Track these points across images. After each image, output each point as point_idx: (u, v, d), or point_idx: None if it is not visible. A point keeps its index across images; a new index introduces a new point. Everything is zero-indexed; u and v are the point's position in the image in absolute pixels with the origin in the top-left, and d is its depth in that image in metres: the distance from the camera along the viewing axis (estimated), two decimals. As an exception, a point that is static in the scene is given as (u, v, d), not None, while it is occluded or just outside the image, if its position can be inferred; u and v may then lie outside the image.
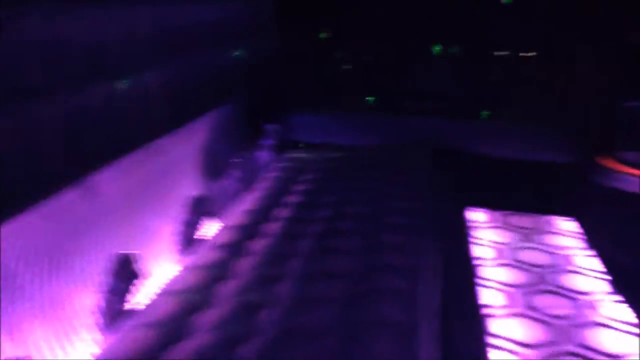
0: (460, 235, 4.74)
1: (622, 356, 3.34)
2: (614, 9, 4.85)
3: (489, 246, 4.67)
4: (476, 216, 5.21)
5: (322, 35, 6.05)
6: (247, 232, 3.34)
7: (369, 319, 2.45)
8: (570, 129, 5.42)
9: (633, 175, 3.97)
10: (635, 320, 3.60)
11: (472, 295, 3.91)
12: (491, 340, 3.48)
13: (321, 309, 2.53)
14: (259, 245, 3.19)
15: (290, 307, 2.56)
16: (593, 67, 5.54)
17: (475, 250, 4.59)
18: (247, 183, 4.49)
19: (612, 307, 3.82)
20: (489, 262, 4.41)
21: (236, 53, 4.07)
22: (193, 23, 3.52)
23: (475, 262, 4.40)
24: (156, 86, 3.10)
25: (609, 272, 4.12)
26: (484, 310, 3.76)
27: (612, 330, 3.59)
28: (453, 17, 6.08)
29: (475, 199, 5.35)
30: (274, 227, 3.41)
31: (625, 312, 3.74)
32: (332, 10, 6.10)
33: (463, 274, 4.15)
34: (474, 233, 4.89)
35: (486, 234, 4.88)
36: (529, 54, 5.84)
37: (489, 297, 3.94)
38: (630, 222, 4.08)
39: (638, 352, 3.36)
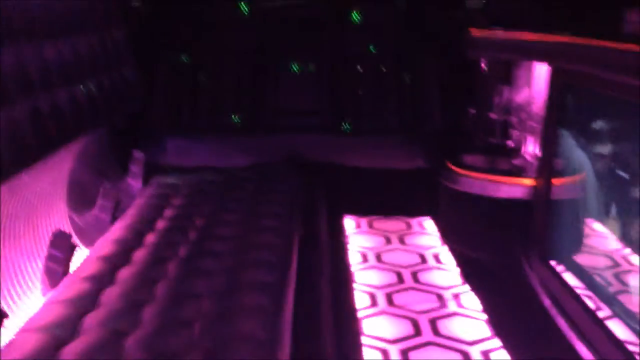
0: (333, 243, 5.01)
1: (475, 341, 3.73)
2: (454, 28, 5.37)
3: (357, 251, 4.99)
4: (346, 224, 5.53)
5: (184, 59, 6.17)
6: (114, 261, 3.38)
7: (232, 334, 2.61)
8: (426, 136, 5.90)
9: (469, 176, 4.44)
10: (481, 307, 4.03)
11: (342, 300, 4.18)
12: (361, 340, 3.75)
13: (187, 329, 2.66)
14: (126, 273, 3.25)
15: (156, 330, 2.66)
16: (440, 79, 6.08)
17: (347, 256, 4.89)
18: (116, 211, 4.50)
19: (463, 297, 4.23)
20: (357, 267, 4.71)
21: (96, 82, 4.10)
22: (53, 59, 3.56)
23: (347, 267, 4.69)
24: (21, 119, 3.11)
25: (458, 265, 4.56)
26: (354, 313, 4.04)
27: (465, 318, 3.99)
28: (310, 36, 6.43)
29: (345, 207, 5.68)
30: (141, 254, 3.48)
31: (473, 301, 4.17)
32: (192, 34, 6.24)
33: (336, 281, 4.41)
34: (345, 240, 5.19)
35: (355, 240, 5.21)
36: (384, 69, 6.31)
37: (358, 299, 4.23)
38: (469, 219, 4.55)
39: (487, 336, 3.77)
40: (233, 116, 6.15)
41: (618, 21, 3.15)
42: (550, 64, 3.90)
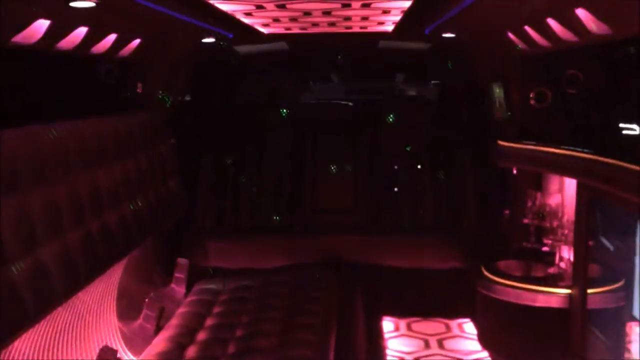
0: (371, 348, 5.02)
1: None
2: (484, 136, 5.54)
3: (396, 356, 4.98)
4: (384, 325, 5.54)
5: (226, 161, 6.48)
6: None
7: None
8: (462, 236, 5.95)
9: (505, 284, 4.45)
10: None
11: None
12: None
13: None
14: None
15: None
16: (475, 178, 6.18)
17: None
18: (161, 318, 4.66)
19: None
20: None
21: (143, 198, 4.36)
22: (104, 184, 3.81)
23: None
24: (73, 245, 3.33)
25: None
26: None
27: None
28: (346, 136, 6.67)
29: (383, 308, 5.71)
30: (183, 369, 3.62)
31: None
32: (233, 138, 6.57)
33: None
34: (383, 344, 5.19)
35: (394, 344, 5.21)
36: (419, 167, 6.47)
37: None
38: (505, 327, 4.53)
39: None
40: (273, 217, 6.35)
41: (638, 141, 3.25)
42: (575, 178, 3.99)
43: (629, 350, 4.57)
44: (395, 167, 6.53)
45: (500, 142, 4.77)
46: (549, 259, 4.63)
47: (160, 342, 4.01)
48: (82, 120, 3.75)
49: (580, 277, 4.02)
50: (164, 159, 4.96)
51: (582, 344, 4.05)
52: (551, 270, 4.55)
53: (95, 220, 3.58)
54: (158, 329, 4.46)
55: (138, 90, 4.96)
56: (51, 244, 3.09)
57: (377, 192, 6.45)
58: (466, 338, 5.24)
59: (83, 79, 4.33)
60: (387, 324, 5.55)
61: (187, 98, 6.44)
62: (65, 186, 3.33)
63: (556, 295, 4.24)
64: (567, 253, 4.48)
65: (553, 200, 4.65)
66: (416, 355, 4.98)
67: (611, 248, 4.53)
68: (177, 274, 5.14)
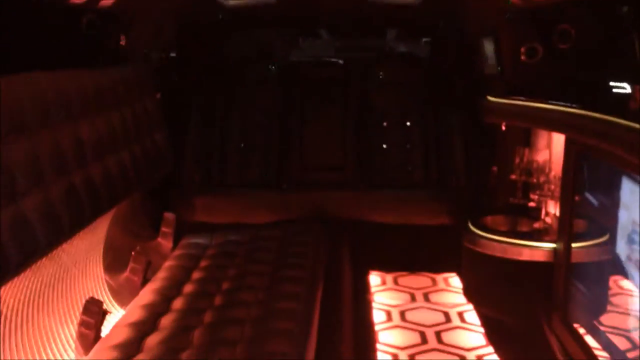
0: (358, 301, 5.08)
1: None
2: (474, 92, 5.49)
3: (381, 309, 5.04)
4: (371, 280, 5.60)
5: (215, 116, 6.39)
6: (142, 328, 3.53)
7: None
8: (450, 193, 5.95)
9: (490, 239, 4.48)
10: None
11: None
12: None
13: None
14: (153, 340, 3.40)
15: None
16: (464, 136, 6.15)
17: (370, 314, 4.95)
18: (147, 271, 4.67)
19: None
20: (381, 326, 4.77)
21: (128, 152, 4.31)
22: (88, 136, 3.75)
23: (371, 326, 4.75)
24: (56, 198, 3.29)
25: (482, 325, 4.58)
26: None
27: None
28: (335, 92, 6.60)
29: (371, 263, 5.76)
30: (168, 321, 3.63)
31: (496, 364, 4.18)
32: (222, 93, 6.47)
33: (358, 341, 4.48)
34: (370, 297, 5.26)
35: (380, 297, 5.27)
36: (408, 124, 6.42)
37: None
38: (490, 281, 4.59)
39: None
40: (261, 172, 6.31)
41: (628, 98, 3.22)
42: (563, 133, 3.98)
43: (612, 303, 4.66)
44: (385, 124, 6.48)
45: (490, 98, 4.74)
46: (535, 214, 4.67)
47: (146, 294, 4.02)
48: (62, 71, 3.67)
49: (565, 231, 4.05)
50: (150, 112, 4.89)
51: (566, 296, 4.11)
52: (537, 225, 4.58)
53: (78, 172, 3.54)
54: (145, 281, 4.47)
55: (121, 42, 4.85)
56: (33, 195, 3.06)
57: (366, 149, 6.41)
58: (452, 292, 5.31)
59: (63, 30, 4.22)
60: (374, 278, 5.60)
61: (172, 54, 6.33)
62: (47, 137, 3.27)
63: (541, 249, 4.28)
64: (553, 208, 4.50)
65: (541, 157, 4.65)
66: (402, 308, 5.04)
67: (595, 203, 4.57)
68: (164, 229, 5.13)
